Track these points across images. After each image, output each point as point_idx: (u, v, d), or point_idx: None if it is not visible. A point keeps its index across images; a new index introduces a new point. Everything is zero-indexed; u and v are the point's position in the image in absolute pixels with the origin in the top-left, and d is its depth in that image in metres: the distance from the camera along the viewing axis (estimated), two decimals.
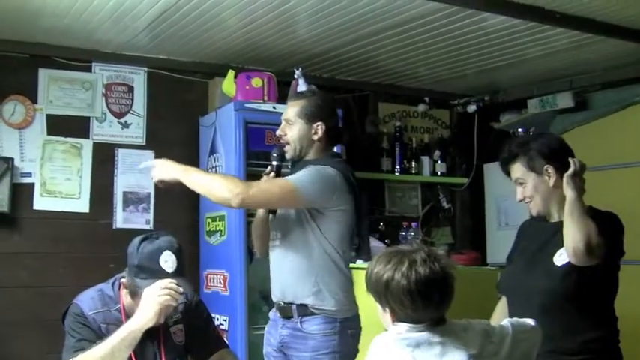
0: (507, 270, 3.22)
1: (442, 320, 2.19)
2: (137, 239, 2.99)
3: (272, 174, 3.47)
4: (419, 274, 2.11)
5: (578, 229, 2.72)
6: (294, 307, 3.35)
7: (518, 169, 3.03)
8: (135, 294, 2.92)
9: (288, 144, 3.48)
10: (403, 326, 2.17)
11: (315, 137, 3.45)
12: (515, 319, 2.39)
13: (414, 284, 2.11)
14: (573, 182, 2.81)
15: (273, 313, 3.53)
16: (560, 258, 2.85)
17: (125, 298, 3.00)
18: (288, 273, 3.39)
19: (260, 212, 3.58)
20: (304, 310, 3.32)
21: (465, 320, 2.25)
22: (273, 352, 3.46)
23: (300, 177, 3.29)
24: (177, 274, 2.92)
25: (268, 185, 3.35)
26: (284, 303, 3.40)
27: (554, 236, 2.92)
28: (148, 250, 2.92)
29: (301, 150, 3.46)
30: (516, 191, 3.06)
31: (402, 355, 2.12)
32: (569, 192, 2.80)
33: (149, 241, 2.96)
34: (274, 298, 3.50)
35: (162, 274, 2.89)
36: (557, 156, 2.95)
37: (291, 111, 3.48)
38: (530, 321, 2.38)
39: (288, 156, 3.51)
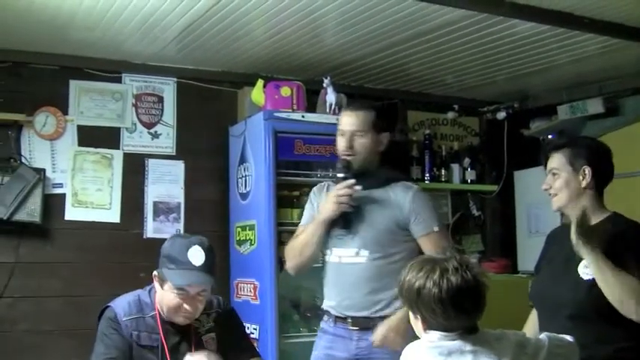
0: (536, 279, 3.20)
1: (474, 329, 2.18)
2: (170, 236, 3.16)
3: (356, 187, 3.39)
4: (450, 283, 2.10)
5: (622, 290, 2.68)
6: (376, 319, 3.33)
7: (557, 159, 3.00)
8: (163, 283, 2.97)
9: (354, 155, 3.44)
10: (435, 334, 2.16)
11: (381, 147, 3.46)
12: (552, 333, 2.35)
13: (445, 293, 2.10)
14: (584, 242, 2.73)
15: (334, 328, 3.48)
16: (586, 271, 2.81)
17: (158, 291, 3.02)
18: (376, 291, 3.37)
19: (316, 233, 3.50)
20: None
21: (500, 330, 2.23)
22: None
23: (432, 216, 3.42)
24: (204, 268, 2.94)
25: (443, 245, 3.28)
26: (359, 317, 3.38)
27: None
28: (179, 243, 3.00)
29: (368, 161, 3.45)
30: (545, 180, 3.04)
31: None
32: (585, 254, 2.75)
33: (181, 237, 3.15)
34: (338, 312, 3.46)
35: (189, 265, 2.92)
36: (599, 162, 2.95)
37: (360, 121, 3.45)
38: (568, 337, 2.35)
39: (355, 166, 3.44)
